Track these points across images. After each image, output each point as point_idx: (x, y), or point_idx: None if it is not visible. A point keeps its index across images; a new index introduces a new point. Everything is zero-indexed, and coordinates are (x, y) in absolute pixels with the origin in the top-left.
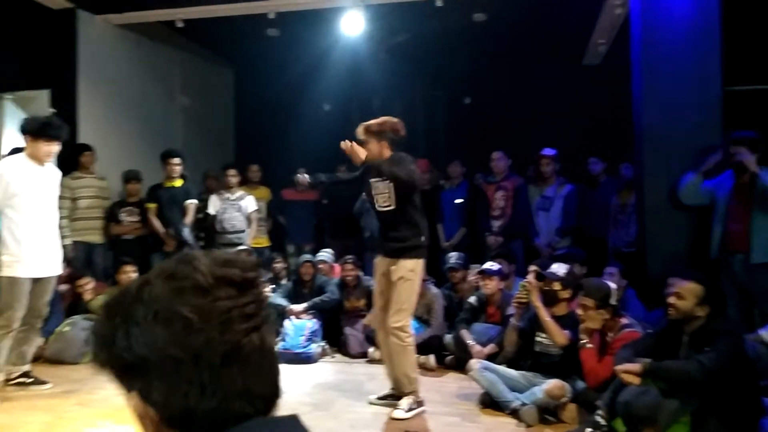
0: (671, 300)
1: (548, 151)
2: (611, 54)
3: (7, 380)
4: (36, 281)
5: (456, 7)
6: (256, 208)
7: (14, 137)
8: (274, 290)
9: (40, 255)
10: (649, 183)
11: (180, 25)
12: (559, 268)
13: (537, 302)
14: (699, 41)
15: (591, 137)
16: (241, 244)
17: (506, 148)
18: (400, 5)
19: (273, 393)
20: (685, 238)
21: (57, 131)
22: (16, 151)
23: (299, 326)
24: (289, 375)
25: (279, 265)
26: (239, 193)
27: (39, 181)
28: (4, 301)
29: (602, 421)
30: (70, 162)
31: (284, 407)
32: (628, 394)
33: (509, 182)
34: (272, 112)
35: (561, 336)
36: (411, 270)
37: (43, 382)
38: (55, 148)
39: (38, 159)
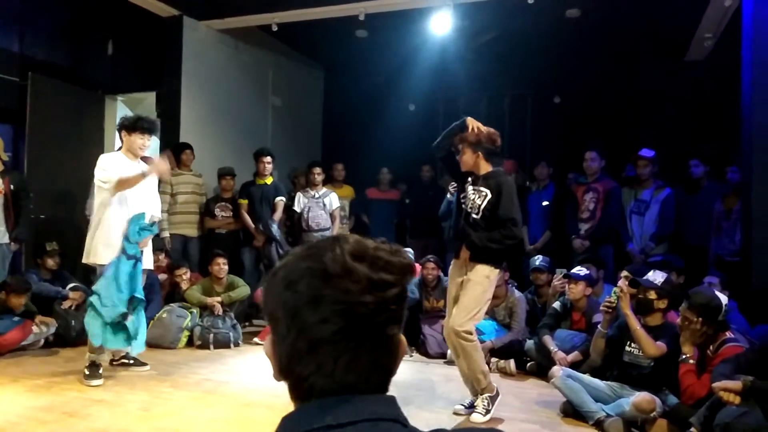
0: None
1: (646, 153)
2: (718, 49)
3: (112, 361)
4: None
5: (548, 3)
6: (338, 205)
7: None
8: None
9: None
10: (758, 188)
11: (275, 28)
12: (656, 276)
13: (627, 309)
14: None
15: (693, 138)
16: None
17: (599, 149)
18: (490, 3)
19: (361, 384)
20: None
21: (150, 125)
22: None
23: None
24: None
25: None
26: (324, 190)
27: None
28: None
29: None
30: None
31: None
32: (727, 415)
33: (600, 184)
34: (359, 112)
35: (652, 347)
36: (486, 276)
37: (142, 364)
38: (149, 141)
39: (133, 152)
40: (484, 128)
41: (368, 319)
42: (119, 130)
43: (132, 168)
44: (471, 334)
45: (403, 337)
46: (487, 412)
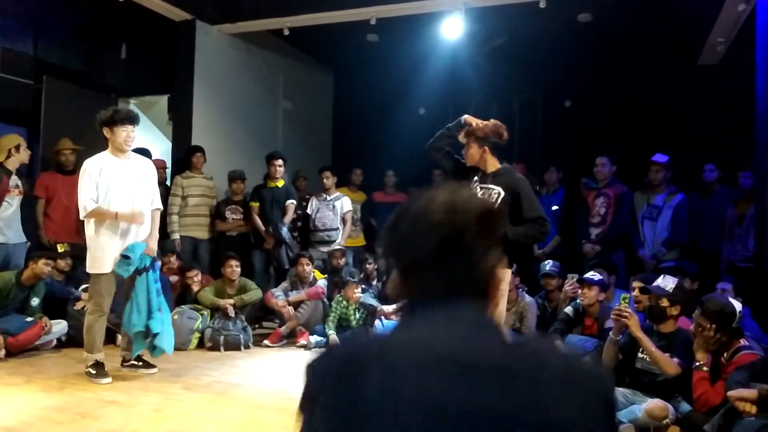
0: None
1: (659, 158)
2: (731, 54)
3: (123, 362)
4: None
5: (560, 7)
6: (350, 209)
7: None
8: (365, 291)
9: (122, 248)
10: None
11: (286, 32)
12: (666, 282)
13: (638, 332)
14: None
15: (706, 143)
16: (332, 241)
17: (610, 154)
18: (502, 8)
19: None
20: None
21: (128, 114)
22: (137, 151)
23: (390, 327)
24: None
25: (371, 266)
26: (336, 194)
27: (122, 174)
28: (92, 290)
29: None
30: (184, 163)
31: None
32: (744, 427)
33: (611, 189)
34: (368, 116)
35: (671, 366)
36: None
37: (151, 366)
38: (133, 132)
39: (119, 147)
40: (482, 123)
41: (457, 239)
42: (100, 128)
43: (122, 168)
44: None
45: (499, 272)
46: None
